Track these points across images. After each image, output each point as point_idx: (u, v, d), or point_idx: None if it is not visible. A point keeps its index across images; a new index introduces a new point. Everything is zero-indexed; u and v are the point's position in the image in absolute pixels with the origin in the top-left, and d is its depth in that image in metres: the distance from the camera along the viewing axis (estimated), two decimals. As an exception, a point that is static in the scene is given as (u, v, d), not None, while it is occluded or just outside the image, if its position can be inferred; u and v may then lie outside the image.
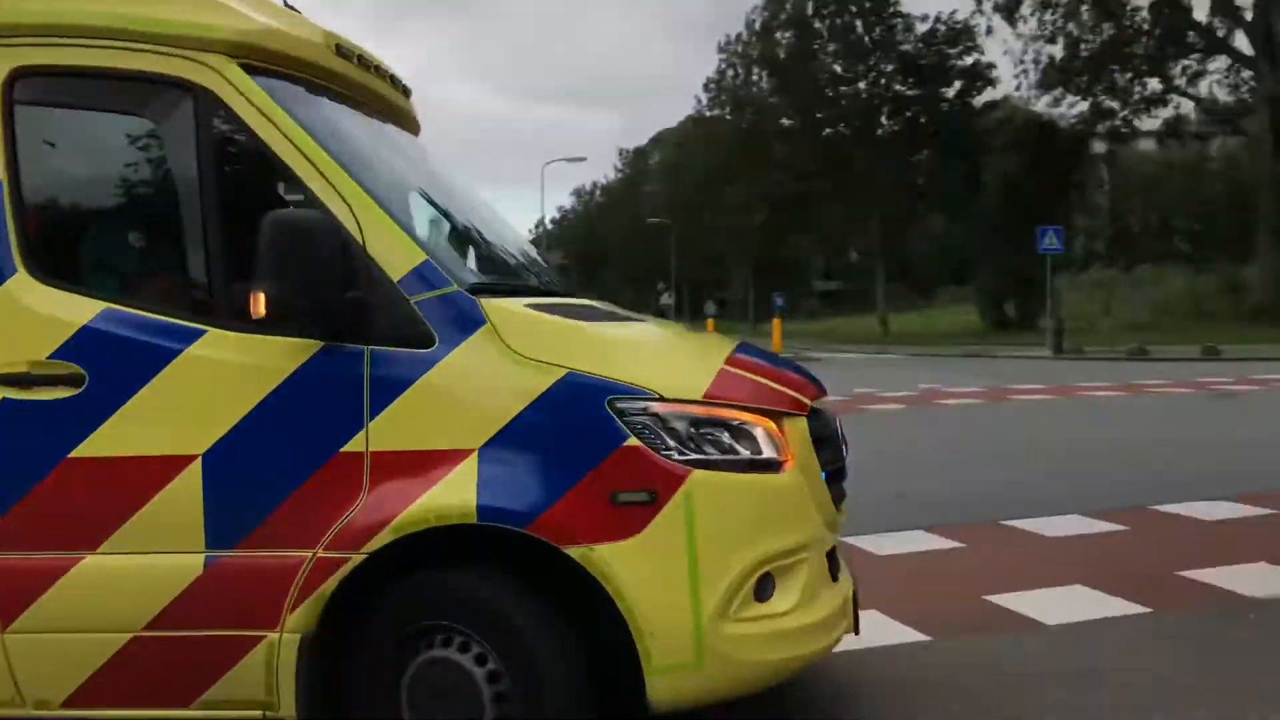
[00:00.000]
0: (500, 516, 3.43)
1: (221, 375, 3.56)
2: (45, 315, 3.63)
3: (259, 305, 3.40)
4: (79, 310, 3.63)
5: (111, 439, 3.58)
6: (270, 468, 3.53)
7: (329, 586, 3.50)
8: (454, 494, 3.45)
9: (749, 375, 3.77)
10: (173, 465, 3.56)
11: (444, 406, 3.49)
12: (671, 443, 3.47)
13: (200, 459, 3.55)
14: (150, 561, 3.59)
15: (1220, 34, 43.03)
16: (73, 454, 3.59)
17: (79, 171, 3.94)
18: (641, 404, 3.48)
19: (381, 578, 3.54)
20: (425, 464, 3.49)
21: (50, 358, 3.61)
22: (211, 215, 3.60)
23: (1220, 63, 44.87)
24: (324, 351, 3.52)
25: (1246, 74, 43.60)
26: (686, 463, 3.46)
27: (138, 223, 3.92)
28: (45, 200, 3.84)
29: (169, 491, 3.56)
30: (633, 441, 3.44)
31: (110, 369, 3.59)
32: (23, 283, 3.65)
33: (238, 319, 3.59)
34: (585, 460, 3.44)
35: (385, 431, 3.49)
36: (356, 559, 3.48)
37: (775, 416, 3.67)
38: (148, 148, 3.80)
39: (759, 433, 3.61)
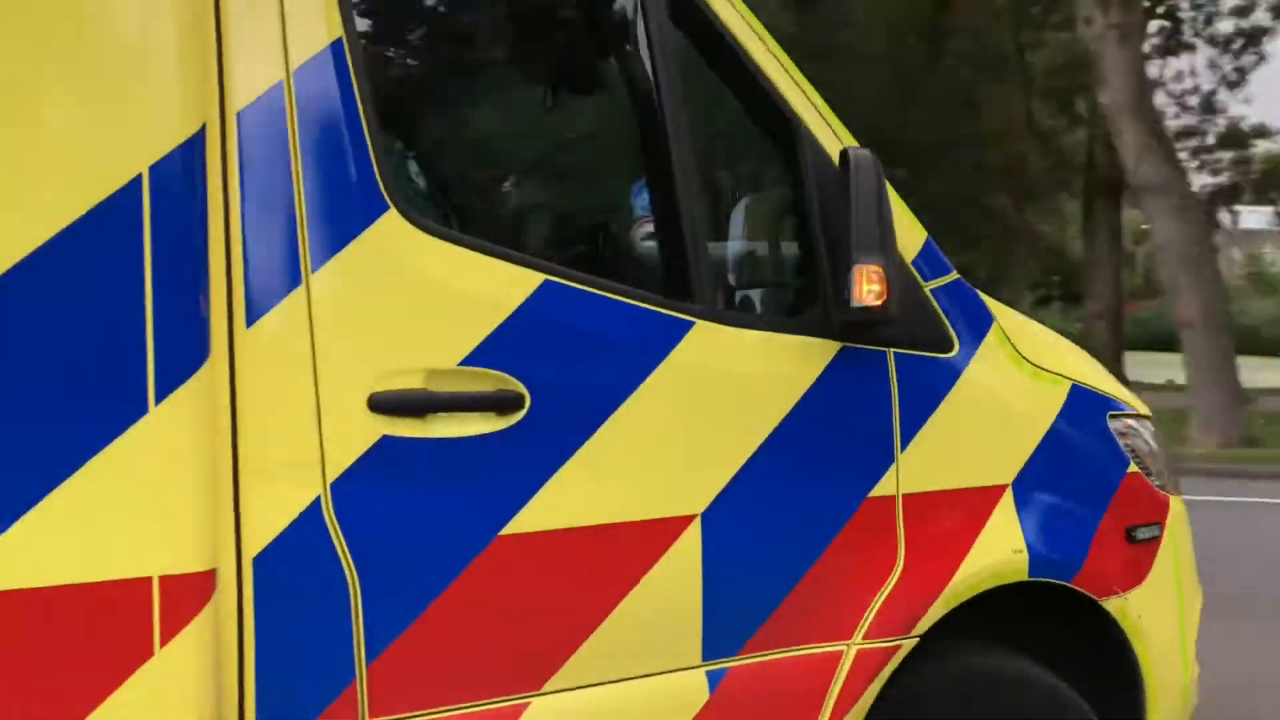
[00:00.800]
0: (1052, 568, 2.69)
1: (715, 392, 2.31)
2: (452, 290, 2.05)
3: (869, 288, 2.27)
4: (505, 283, 2.10)
5: (568, 500, 2.14)
6: (785, 527, 2.38)
7: (872, 693, 2.45)
8: (1002, 545, 2.63)
9: None
10: (660, 534, 2.23)
11: (974, 430, 2.64)
12: (1147, 464, 3.00)
13: (699, 521, 2.27)
14: (625, 694, 2.21)
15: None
16: (507, 530, 2.08)
17: (474, 53, 2.26)
18: (1128, 421, 2.97)
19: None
20: (959, 507, 2.61)
21: (464, 363, 2.05)
22: (685, 146, 2.30)
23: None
24: (843, 355, 2.46)
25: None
26: (1160, 487, 3.02)
27: (570, 148, 2.36)
28: (416, 100, 2.15)
29: (656, 577, 2.23)
30: (1133, 466, 2.92)
31: (561, 383, 2.14)
32: (400, 231, 2.02)
33: (728, 305, 2.38)
34: (1104, 490, 2.84)
35: (915, 466, 2.54)
36: (906, 645, 2.49)
37: None
38: (577, 32, 2.30)
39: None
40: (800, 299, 2.49)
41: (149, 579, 1.74)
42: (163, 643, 1.74)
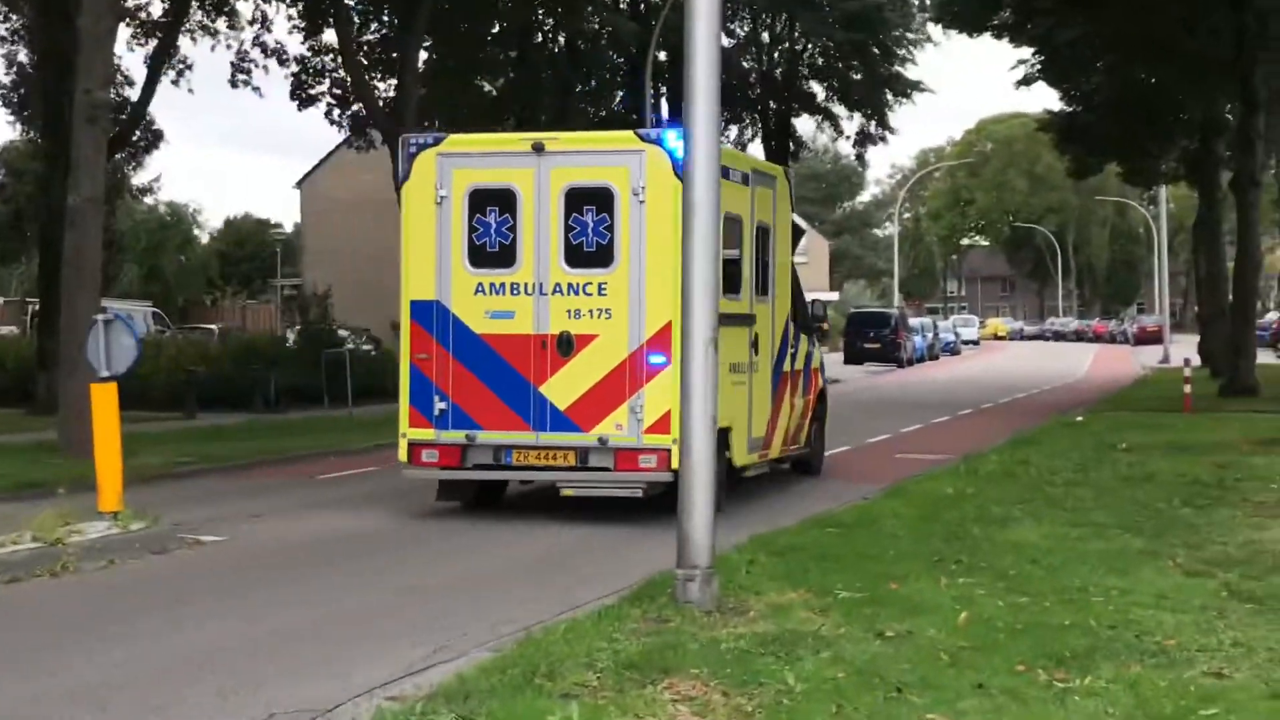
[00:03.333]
0: (825, 385, 11.17)
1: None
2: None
3: (824, 326, 10.61)
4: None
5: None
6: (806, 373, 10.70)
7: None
8: (824, 379, 11.16)
9: None
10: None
11: (815, 355, 11.11)
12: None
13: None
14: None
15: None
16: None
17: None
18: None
19: None
20: (819, 371, 11.27)
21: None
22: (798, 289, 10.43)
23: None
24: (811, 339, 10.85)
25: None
26: None
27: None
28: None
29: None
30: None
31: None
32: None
33: (801, 329, 10.73)
34: (824, 368, 11.34)
35: (813, 360, 11.02)
36: (814, 397, 10.89)
37: None
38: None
39: None
40: (809, 328, 11.23)
41: None
42: None
